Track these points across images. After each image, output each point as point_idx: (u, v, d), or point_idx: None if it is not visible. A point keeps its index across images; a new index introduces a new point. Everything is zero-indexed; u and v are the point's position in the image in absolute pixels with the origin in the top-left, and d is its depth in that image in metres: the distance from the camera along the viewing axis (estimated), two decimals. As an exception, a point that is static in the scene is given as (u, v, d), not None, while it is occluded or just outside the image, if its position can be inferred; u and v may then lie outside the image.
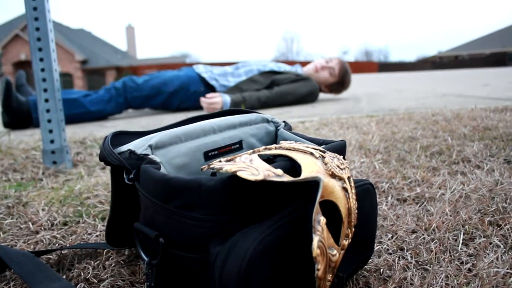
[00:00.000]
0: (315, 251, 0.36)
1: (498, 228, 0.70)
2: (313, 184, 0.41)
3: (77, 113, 2.44)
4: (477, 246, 0.64)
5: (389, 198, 0.86)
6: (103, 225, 0.78)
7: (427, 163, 1.07)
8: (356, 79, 8.80)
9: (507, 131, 1.36)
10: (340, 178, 0.43)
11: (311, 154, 0.45)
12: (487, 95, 2.91)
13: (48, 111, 1.21)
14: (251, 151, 0.46)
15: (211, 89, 2.77)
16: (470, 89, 3.68)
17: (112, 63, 26.10)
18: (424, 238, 0.67)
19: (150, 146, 0.50)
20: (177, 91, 2.72)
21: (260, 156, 0.44)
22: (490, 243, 0.65)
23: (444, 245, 0.64)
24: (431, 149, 1.20)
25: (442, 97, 2.92)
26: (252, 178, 0.38)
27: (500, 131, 1.37)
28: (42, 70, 1.19)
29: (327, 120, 1.83)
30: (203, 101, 2.45)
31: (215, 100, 2.44)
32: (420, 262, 0.60)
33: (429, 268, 0.58)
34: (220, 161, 0.43)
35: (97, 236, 0.74)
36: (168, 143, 0.52)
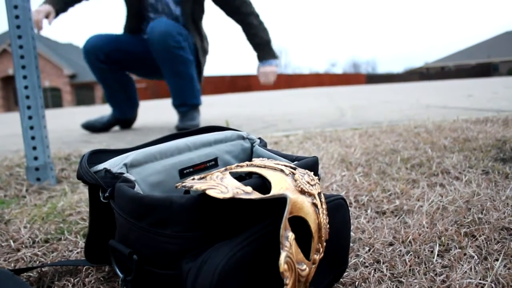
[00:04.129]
0: (282, 266, 0.37)
1: (473, 239, 0.71)
2: (283, 200, 0.42)
3: None
4: (452, 257, 0.65)
5: (369, 211, 0.87)
6: (84, 242, 0.78)
7: (407, 176, 1.09)
8: (343, 91, 8.86)
9: (487, 142, 1.39)
10: (310, 194, 0.44)
11: (281, 171, 0.46)
12: (470, 106, 2.96)
13: (31, 128, 1.21)
14: (223, 168, 0.47)
15: None
16: (454, 100, 3.73)
17: (100, 77, 25.94)
18: (400, 251, 0.68)
19: (125, 164, 0.51)
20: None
21: (232, 173, 0.45)
22: (465, 254, 0.66)
23: (420, 257, 0.66)
24: (411, 161, 1.22)
25: (426, 109, 2.96)
26: (220, 196, 0.39)
27: (480, 142, 1.40)
28: (26, 87, 1.19)
29: (311, 134, 1.85)
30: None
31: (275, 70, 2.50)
32: (395, 275, 0.61)
33: (403, 280, 0.59)
34: (193, 179, 0.44)
35: (78, 253, 0.74)
36: (143, 161, 0.53)
